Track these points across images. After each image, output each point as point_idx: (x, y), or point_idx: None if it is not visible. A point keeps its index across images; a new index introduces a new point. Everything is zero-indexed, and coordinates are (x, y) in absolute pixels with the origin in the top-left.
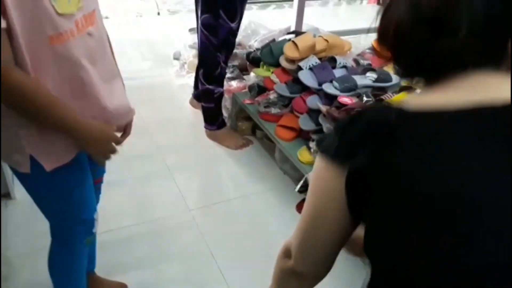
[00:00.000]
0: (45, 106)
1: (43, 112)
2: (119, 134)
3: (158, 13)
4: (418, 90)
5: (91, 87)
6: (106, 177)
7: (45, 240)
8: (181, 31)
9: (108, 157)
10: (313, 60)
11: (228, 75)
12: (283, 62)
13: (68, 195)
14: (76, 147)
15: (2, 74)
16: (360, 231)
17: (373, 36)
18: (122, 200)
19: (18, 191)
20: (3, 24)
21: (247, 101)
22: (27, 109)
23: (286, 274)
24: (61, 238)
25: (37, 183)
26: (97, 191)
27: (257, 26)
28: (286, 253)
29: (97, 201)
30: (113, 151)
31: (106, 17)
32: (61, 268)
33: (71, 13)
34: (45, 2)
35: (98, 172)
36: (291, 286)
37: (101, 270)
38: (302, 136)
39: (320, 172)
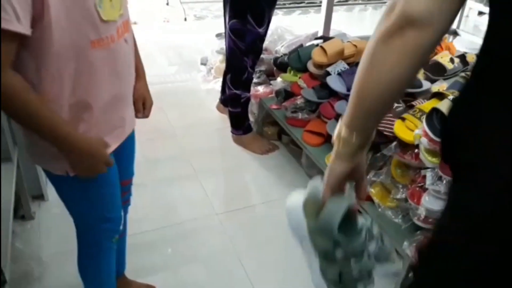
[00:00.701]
0: (36, 115)
1: (33, 120)
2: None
3: (185, 19)
4: (450, 97)
5: (122, 94)
6: (133, 180)
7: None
8: (208, 36)
9: (92, 175)
10: (342, 65)
11: (254, 80)
12: (310, 67)
13: (94, 195)
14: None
15: None
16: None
17: None
18: (149, 202)
19: (51, 193)
20: (21, 29)
21: (274, 106)
22: (17, 114)
23: (391, 31)
24: (88, 238)
25: (61, 184)
26: (127, 192)
27: (283, 31)
28: (391, 8)
29: (129, 203)
30: (101, 172)
31: (135, 23)
32: (90, 268)
33: (114, 20)
34: (92, 9)
35: (126, 174)
36: (397, 44)
37: (128, 272)
38: (330, 142)
39: None
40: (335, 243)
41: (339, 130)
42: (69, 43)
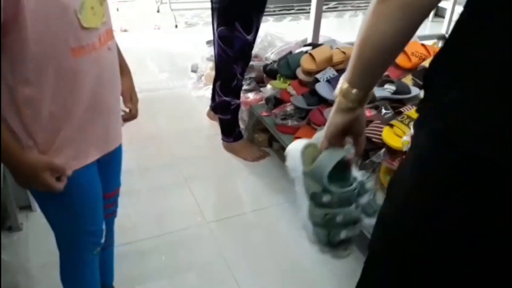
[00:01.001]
0: None
1: None
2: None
3: (176, 26)
4: None
5: (103, 103)
6: (122, 188)
7: None
8: (198, 43)
9: (39, 187)
10: (330, 72)
11: (244, 87)
12: (300, 74)
13: (73, 207)
14: (75, 163)
15: None
16: None
17: None
18: (139, 211)
19: None
20: None
21: (264, 113)
22: None
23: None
24: (68, 250)
25: (45, 196)
26: (113, 205)
27: (273, 38)
28: None
29: (115, 215)
30: (48, 182)
31: (125, 30)
32: (72, 280)
33: (96, 27)
34: (72, 16)
35: (111, 186)
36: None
37: (120, 281)
38: None
39: None
40: (324, 189)
41: (340, 85)
42: (47, 48)
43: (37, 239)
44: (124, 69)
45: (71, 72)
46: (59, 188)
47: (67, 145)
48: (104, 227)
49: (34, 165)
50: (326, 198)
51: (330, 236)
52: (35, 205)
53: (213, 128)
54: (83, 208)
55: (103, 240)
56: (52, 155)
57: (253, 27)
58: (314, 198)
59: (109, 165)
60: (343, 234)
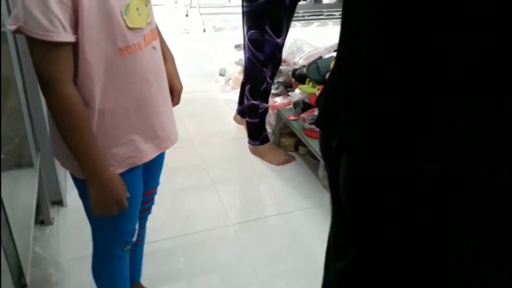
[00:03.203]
0: (75, 132)
1: (70, 135)
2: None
3: (204, 30)
4: None
5: (152, 102)
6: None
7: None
8: (226, 47)
9: (102, 215)
10: None
11: (273, 91)
12: None
13: None
14: (129, 162)
15: (54, 87)
16: None
17: None
18: (167, 211)
19: (70, 199)
20: (70, 39)
21: (292, 117)
22: (59, 125)
23: None
24: (101, 245)
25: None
26: (150, 202)
27: (302, 43)
28: None
29: (149, 212)
30: (112, 213)
31: (155, 37)
32: (103, 275)
33: (141, 28)
34: (118, 17)
35: (152, 184)
36: None
37: (144, 280)
38: None
39: None
40: None
41: None
42: (99, 50)
43: (67, 234)
44: (167, 57)
45: (120, 72)
46: (124, 209)
47: (127, 145)
48: (137, 226)
49: (119, 183)
50: None
51: None
52: (66, 200)
53: (240, 131)
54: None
55: (134, 239)
56: (108, 156)
57: (283, 30)
58: None
59: (154, 165)
60: None
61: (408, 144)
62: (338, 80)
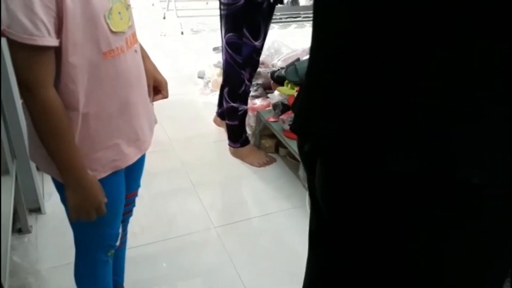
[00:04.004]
0: (55, 136)
1: (50, 140)
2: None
3: (182, 33)
4: None
5: (134, 104)
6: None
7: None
8: (204, 50)
9: (80, 220)
10: None
11: (252, 93)
12: None
13: None
14: (113, 166)
15: (36, 91)
16: None
17: None
18: (147, 216)
19: (48, 206)
20: (54, 43)
21: (271, 119)
22: (39, 129)
23: None
24: (85, 251)
25: None
26: (131, 204)
27: (280, 45)
28: None
29: (131, 214)
30: (90, 218)
31: (135, 41)
32: (86, 281)
33: (123, 31)
34: (102, 21)
35: (133, 187)
36: None
37: (126, 286)
38: None
39: None
40: None
41: None
42: (83, 54)
43: (46, 241)
44: (143, 54)
45: (103, 75)
46: (102, 214)
47: (111, 148)
48: (120, 231)
49: (98, 188)
50: None
51: None
52: (44, 207)
53: (220, 134)
54: (108, 212)
55: (118, 243)
56: (92, 160)
57: (261, 33)
58: None
59: (135, 167)
60: None
61: (377, 145)
62: (310, 84)
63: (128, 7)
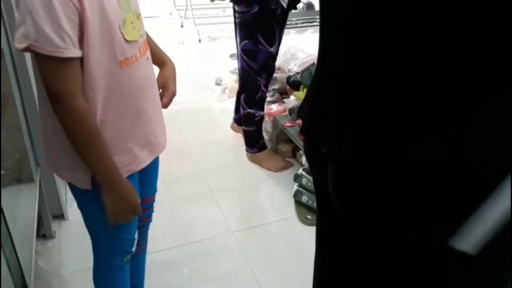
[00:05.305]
0: (89, 143)
1: (85, 147)
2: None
3: (199, 40)
4: None
5: (146, 110)
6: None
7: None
8: (222, 57)
9: (118, 223)
10: None
11: (268, 98)
12: None
13: None
14: (127, 169)
15: (66, 102)
16: None
17: None
18: (166, 221)
19: (71, 213)
20: (79, 54)
21: (288, 124)
22: (73, 138)
23: None
24: (101, 256)
25: (92, 200)
26: (149, 209)
27: (296, 50)
28: None
29: (150, 220)
30: (127, 220)
31: (147, 48)
32: (104, 284)
33: (136, 40)
34: (117, 31)
35: (149, 191)
36: None
37: None
38: None
39: None
40: None
41: None
42: (101, 63)
43: (69, 246)
44: (165, 60)
45: (119, 83)
46: (138, 214)
47: (124, 152)
48: (136, 236)
49: (132, 189)
50: None
51: None
52: (67, 214)
53: (237, 139)
54: None
55: (133, 249)
56: None
57: (275, 40)
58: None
59: (149, 171)
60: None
61: (394, 136)
62: (317, 86)
63: (138, 16)
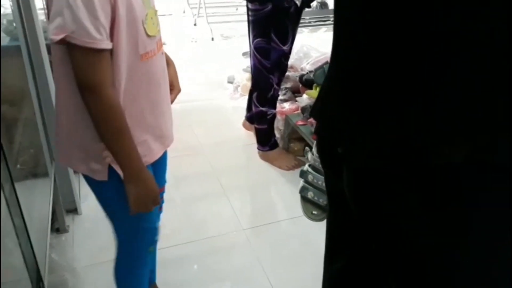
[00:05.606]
0: (119, 133)
1: (115, 137)
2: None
3: (212, 39)
4: None
5: (161, 103)
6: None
7: (107, 253)
8: (234, 55)
9: (140, 212)
10: None
11: (280, 97)
12: None
13: None
14: (144, 161)
15: (99, 92)
16: None
17: None
18: (177, 218)
19: (84, 207)
20: (110, 46)
21: (300, 122)
22: (104, 128)
23: None
24: (127, 247)
25: (111, 191)
26: (161, 199)
27: (309, 49)
28: None
29: (161, 211)
30: (149, 210)
31: (164, 43)
32: (128, 277)
33: (155, 35)
34: (141, 26)
35: (160, 182)
36: None
37: (158, 285)
38: None
39: None
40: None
41: None
42: (125, 56)
43: (82, 241)
44: (169, 61)
45: (139, 76)
46: (158, 204)
47: (140, 144)
48: (158, 225)
49: (153, 179)
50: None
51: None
52: (80, 208)
53: (249, 137)
54: None
55: (157, 238)
56: None
57: (288, 38)
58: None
59: (160, 163)
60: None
61: (413, 142)
62: (330, 85)
63: (156, 12)
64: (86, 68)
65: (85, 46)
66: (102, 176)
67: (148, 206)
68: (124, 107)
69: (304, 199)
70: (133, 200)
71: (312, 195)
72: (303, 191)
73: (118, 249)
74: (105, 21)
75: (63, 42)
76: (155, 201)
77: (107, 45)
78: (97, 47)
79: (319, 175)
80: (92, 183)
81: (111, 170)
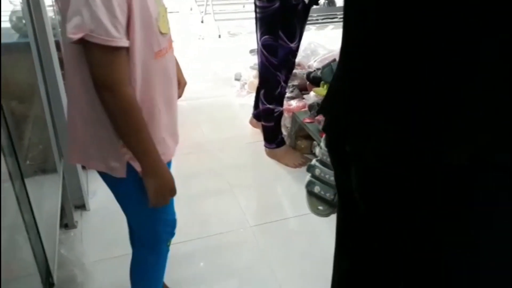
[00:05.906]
0: (138, 130)
1: (133, 133)
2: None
3: (219, 36)
4: None
5: (174, 101)
6: None
7: (115, 248)
8: (241, 52)
9: (159, 204)
10: None
11: (288, 94)
12: None
13: None
14: (167, 157)
15: (117, 90)
16: None
17: None
18: (184, 215)
19: (92, 203)
20: (127, 44)
21: (307, 120)
22: (123, 126)
23: None
24: (148, 242)
25: (130, 188)
26: None
27: (316, 46)
28: None
29: None
30: (166, 202)
31: (172, 41)
32: (148, 272)
33: (167, 33)
34: (154, 24)
35: None
36: None
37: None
38: None
39: None
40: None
41: None
42: (140, 54)
43: (90, 236)
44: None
45: (154, 74)
46: (174, 195)
47: (159, 143)
48: (176, 217)
49: (170, 172)
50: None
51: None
52: (89, 204)
53: (256, 135)
54: None
55: (175, 230)
56: None
57: (296, 35)
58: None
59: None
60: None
61: (431, 142)
62: (340, 84)
63: (166, 10)
64: (104, 67)
65: (104, 44)
66: (121, 173)
67: (166, 197)
68: (141, 106)
69: (310, 193)
70: (153, 193)
71: (319, 189)
72: (309, 185)
73: (138, 246)
74: (122, 19)
75: (81, 41)
76: (173, 191)
77: (125, 43)
78: (115, 45)
79: (326, 169)
80: (110, 180)
81: (128, 166)
